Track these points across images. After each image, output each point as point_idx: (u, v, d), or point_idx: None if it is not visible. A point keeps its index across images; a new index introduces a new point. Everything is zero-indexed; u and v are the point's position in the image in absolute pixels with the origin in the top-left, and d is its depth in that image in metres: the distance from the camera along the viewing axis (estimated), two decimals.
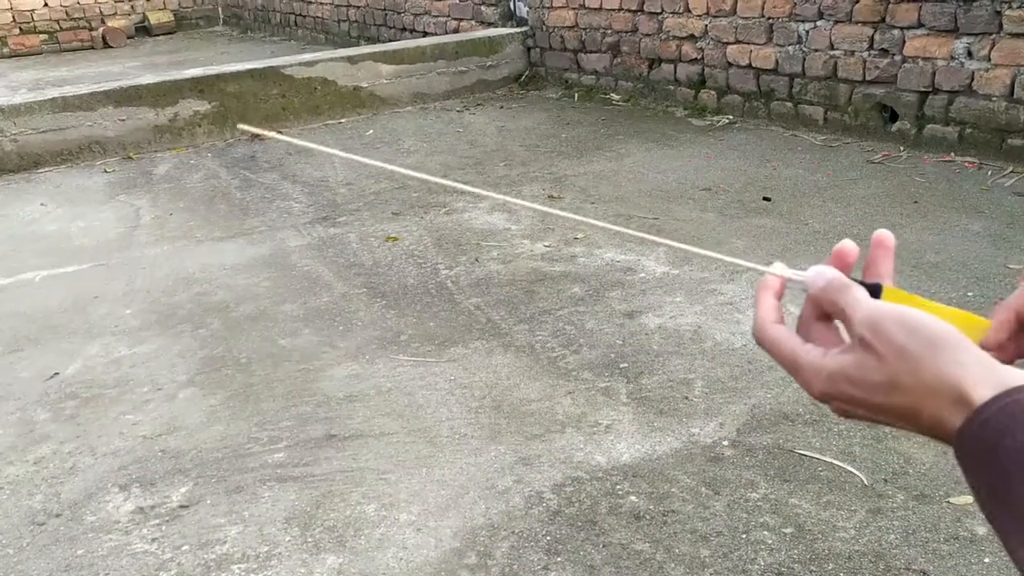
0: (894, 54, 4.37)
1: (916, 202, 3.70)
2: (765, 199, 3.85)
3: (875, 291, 0.57)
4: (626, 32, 5.75)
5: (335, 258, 3.51)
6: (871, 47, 4.46)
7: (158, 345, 2.88)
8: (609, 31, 5.86)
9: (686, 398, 2.37)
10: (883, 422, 0.55)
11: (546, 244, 3.51)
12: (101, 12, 10.58)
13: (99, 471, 2.22)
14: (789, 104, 4.92)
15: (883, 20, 4.37)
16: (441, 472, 2.12)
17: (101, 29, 10.36)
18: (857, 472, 2.02)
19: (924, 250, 3.18)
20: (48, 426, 2.45)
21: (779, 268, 0.60)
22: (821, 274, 0.57)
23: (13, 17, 10.14)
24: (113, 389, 2.62)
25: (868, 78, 4.51)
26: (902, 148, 4.38)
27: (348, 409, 2.42)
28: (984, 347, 0.57)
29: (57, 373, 2.73)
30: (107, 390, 2.61)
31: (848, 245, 0.60)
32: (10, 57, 10.01)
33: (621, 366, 2.55)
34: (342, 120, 5.78)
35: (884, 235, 0.60)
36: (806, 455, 2.10)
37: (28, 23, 10.24)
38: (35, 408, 2.54)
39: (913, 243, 3.24)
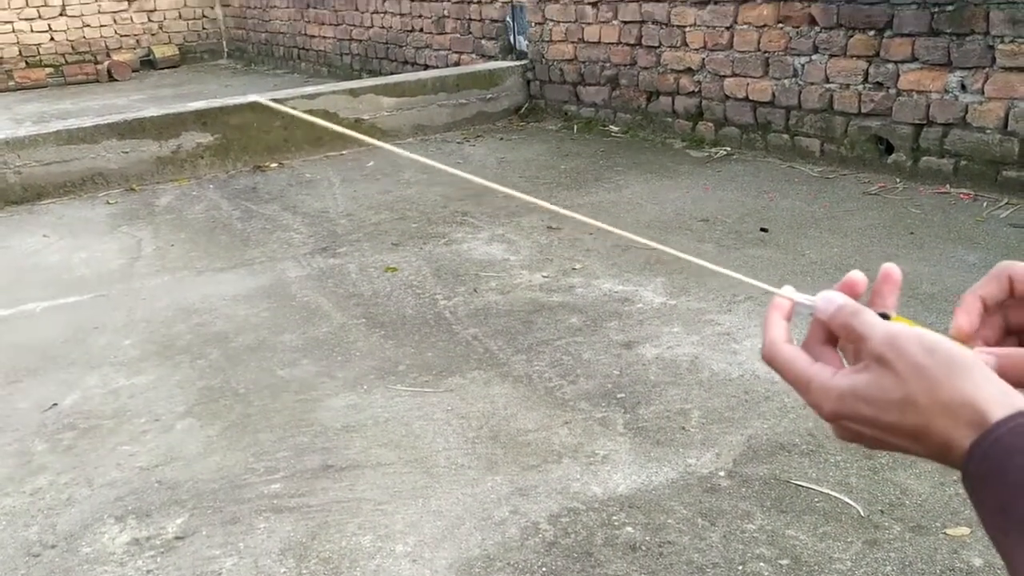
0: (889, 87, 4.42)
1: (912, 233, 3.72)
2: (762, 230, 3.88)
3: (884, 318, 0.59)
4: (624, 65, 5.82)
5: (334, 288, 3.52)
6: (866, 80, 4.51)
7: (157, 376, 2.89)
8: (608, 64, 5.93)
9: (683, 428, 2.37)
10: (889, 444, 0.55)
11: (544, 275, 3.53)
12: (107, 46, 10.71)
13: (95, 502, 2.22)
14: (786, 136, 4.97)
15: (877, 54, 4.43)
16: (437, 503, 2.12)
17: (106, 63, 10.47)
18: (854, 503, 2.02)
19: (920, 281, 3.20)
20: (45, 457, 2.45)
21: (789, 291, 0.62)
22: (831, 300, 0.59)
23: (19, 51, 10.27)
24: (111, 420, 2.62)
25: (863, 111, 4.55)
26: (898, 180, 4.41)
27: (345, 439, 2.42)
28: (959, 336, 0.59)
29: (56, 404, 2.74)
30: (105, 421, 2.62)
31: (857, 276, 0.61)
32: (16, 90, 10.12)
33: (618, 396, 2.56)
34: (343, 152, 5.84)
35: (892, 269, 0.61)
36: (802, 486, 2.10)
37: (34, 57, 10.36)
38: (33, 439, 2.55)
39: (909, 274, 3.25)
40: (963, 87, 4.12)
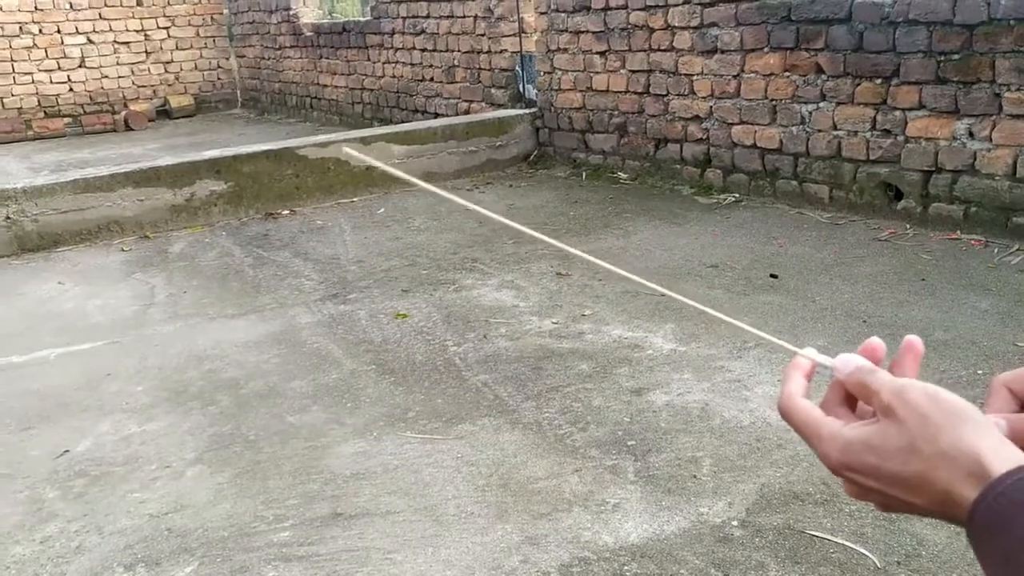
0: (896, 134, 4.45)
1: (923, 280, 3.72)
2: (772, 276, 3.88)
3: None
4: (632, 113, 5.88)
5: (345, 335, 3.54)
6: (874, 127, 4.55)
7: (168, 422, 2.89)
8: (616, 112, 6.00)
9: (694, 477, 2.35)
10: (893, 499, 0.55)
11: (554, 321, 3.53)
12: (124, 96, 10.91)
13: (105, 550, 2.22)
14: (794, 183, 4.99)
15: (884, 102, 4.47)
16: (447, 552, 2.10)
17: (123, 113, 10.66)
18: (869, 554, 1.99)
19: (932, 328, 3.18)
20: (56, 504, 2.45)
21: (811, 353, 0.63)
22: (849, 361, 0.60)
23: (38, 101, 10.46)
24: (122, 467, 2.62)
25: (872, 157, 4.58)
26: (908, 226, 4.42)
27: (355, 487, 2.41)
28: None
29: (67, 451, 2.74)
30: (116, 468, 2.62)
31: (876, 342, 0.62)
32: (34, 139, 10.30)
33: (629, 444, 2.54)
34: (354, 199, 5.90)
35: (915, 341, 0.62)
36: (817, 536, 2.07)
37: (53, 107, 10.55)
38: (44, 486, 2.55)
39: (921, 321, 3.24)
40: (971, 134, 4.15)
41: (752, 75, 5.08)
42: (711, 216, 4.96)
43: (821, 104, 4.77)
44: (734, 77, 5.19)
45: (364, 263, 4.51)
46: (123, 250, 5.09)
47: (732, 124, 5.26)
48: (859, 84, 4.56)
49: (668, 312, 3.53)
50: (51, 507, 2.43)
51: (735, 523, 2.14)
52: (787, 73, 4.90)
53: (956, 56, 4.13)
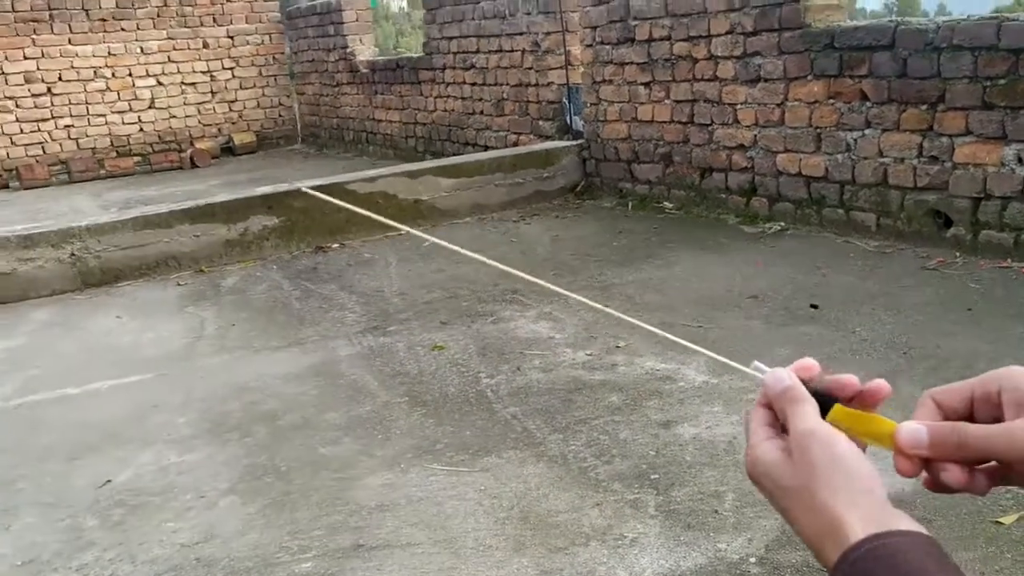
0: (944, 161, 4.35)
1: (970, 309, 3.61)
2: (812, 307, 3.82)
3: (826, 406, 0.60)
4: (678, 143, 5.88)
5: (381, 367, 3.60)
6: (920, 154, 4.46)
7: (206, 453, 2.98)
8: (661, 142, 6.00)
9: (716, 511, 2.33)
10: None
11: (588, 352, 3.54)
12: (190, 135, 11.33)
13: None
14: (840, 211, 4.92)
15: (931, 128, 4.39)
16: None
17: (189, 151, 11.07)
18: None
19: (977, 359, 3.09)
20: (95, 533, 2.54)
21: (758, 365, 0.65)
22: (780, 380, 0.61)
23: (111, 141, 10.95)
24: (159, 496, 2.71)
25: (919, 184, 4.49)
26: (957, 254, 4.31)
27: (378, 518, 2.45)
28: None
29: (109, 480, 2.85)
30: (153, 497, 2.71)
31: (809, 362, 0.63)
32: (106, 178, 10.76)
33: (652, 477, 2.53)
34: (402, 232, 6.00)
35: (882, 385, 0.61)
36: None
37: (124, 146, 11.02)
38: (85, 515, 2.65)
39: (965, 352, 3.15)
40: (1019, 160, 4.04)
41: (796, 103, 5.04)
42: (755, 245, 4.91)
43: (866, 131, 4.70)
44: (778, 105, 5.15)
45: (406, 295, 4.59)
46: (179, 284, 5.28)
47: (777, 152, 5.22)
48: (904, 111, 4.49)
49: (703, 343, 3.49)
50: (90, 536, 2.53)
51: (753, 560, 2.11)
52: (831, 100, 4.85)
53: (1002, 81, 4.04)
